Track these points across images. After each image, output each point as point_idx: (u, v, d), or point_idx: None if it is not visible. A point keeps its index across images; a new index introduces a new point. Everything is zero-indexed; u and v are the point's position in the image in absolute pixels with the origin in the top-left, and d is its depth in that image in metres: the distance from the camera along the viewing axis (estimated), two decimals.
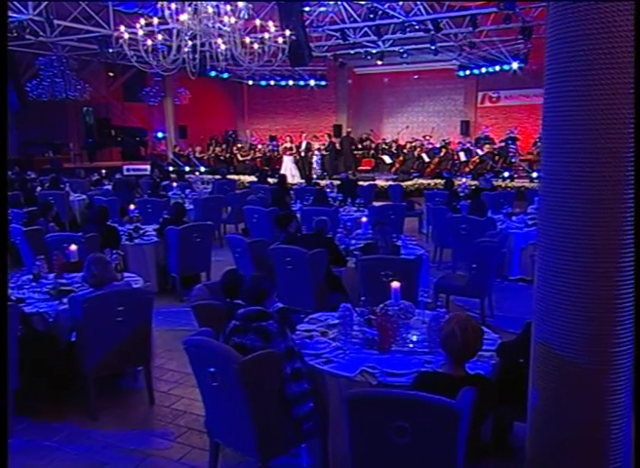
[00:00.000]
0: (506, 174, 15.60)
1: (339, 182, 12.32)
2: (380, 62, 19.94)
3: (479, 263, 5.93)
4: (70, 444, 4.15)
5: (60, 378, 4.59)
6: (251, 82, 21.74)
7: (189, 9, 11.33)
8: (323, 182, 13.38)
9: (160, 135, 23.69)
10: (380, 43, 18.53)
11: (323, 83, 21.78)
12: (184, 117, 22.86)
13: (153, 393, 4.73)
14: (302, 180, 14.31)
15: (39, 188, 12.33)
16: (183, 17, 11.33)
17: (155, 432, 4.29)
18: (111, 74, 22.31)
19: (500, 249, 6.19)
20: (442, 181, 16.30)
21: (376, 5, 14.34)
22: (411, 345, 3.73)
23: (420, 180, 16.62)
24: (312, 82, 21.54)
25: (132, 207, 8.19)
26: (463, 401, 2.53)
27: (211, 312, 4.05)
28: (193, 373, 3.46)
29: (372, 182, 13.35)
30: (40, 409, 4.52)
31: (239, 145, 21.29)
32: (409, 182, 15.94)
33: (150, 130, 23.44)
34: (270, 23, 11.98)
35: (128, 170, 19.08)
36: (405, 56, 19.51)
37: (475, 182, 12.86)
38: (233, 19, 11.41)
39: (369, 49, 19.25)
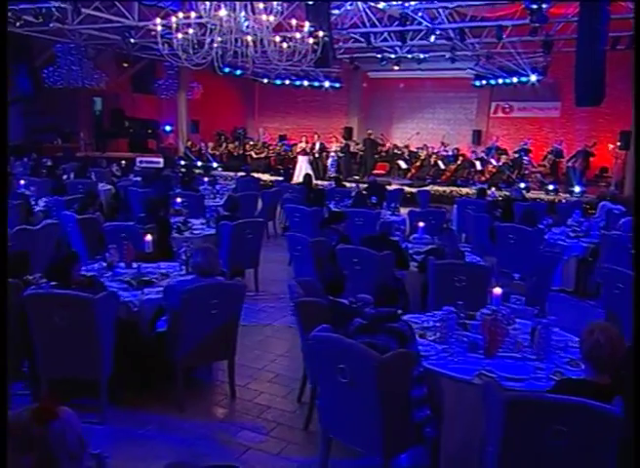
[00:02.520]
0: (522, 185, 15.75)
1: (366, 185, 12.38)
2: (396, 68, 20.10)
3: (539, 273, 6.03)
4: (164, 433, 4.19)
5: (145, 368, 4.62)
6: (266, 80, 21.73)
7: (223, 5, 11.36)
8: (348, 184, 13.43)
9: (168, 128, 23.65)
10: (397, 48, 18.68)
11: (337, 85, 21.86)
12: (195, 112, 22.83)
13: (235, 387, 4.78)
14: (328, 182, 14.41)
15: (65, 176, 12.27)
16: (222, 12, 11.35)
17: (246, 425, 4.34)
18: (126, 65, 22.21)
19: (561, 259, 6.31)
20: (457, 189, 16.54)
21: (406, 11, 14.46)
22: (518, 351, 3.81)
23: (435, 187, 16.73)
24: (327, 83, 21.60)
25: (178, 200, 8.21)
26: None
27: (314, 309, 4.10)
28: (316, 369, 3.52)
29: (399, 187, 13.46)
30: (124, 398, 4.54)
31: (251, 143, 21.28)
32: (425, 188, 16.03)
33: (160, 122, 23.41)
34: (307, 24, 12.04)
35: (141, 162, 19.02)
36: (421, 62, 19.71)
37: (505, 192, 13.02)
38: (272, 18, 11.46)
39: (387, 54, 19.38)
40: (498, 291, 4.09)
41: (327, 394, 3.51)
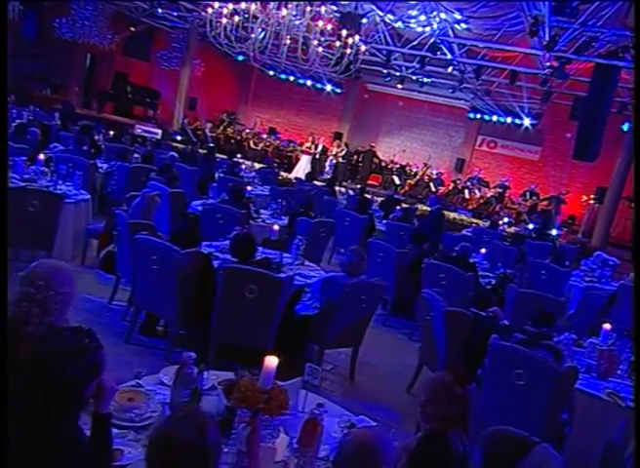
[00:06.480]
0: (506, 219, 16.96)
1: (382, 199, 13.15)
2: (400, 86, 21.04)
3: (586, 310, 6.99)
4: None
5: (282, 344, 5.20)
6: (272, 72, 22.23)
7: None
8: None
9: None
10: (404, 68, 19.66)
11: (338, 90, 22.68)
12: (192, 89, 22.93)
13: (355, 371, 5.45)
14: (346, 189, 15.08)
15: (96, 137, 12.39)
16: (284, 12, 11.89)
17: (379, 406, 5.01)
18: (132, 29, 22.09)
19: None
20: (447, 213, 17.61)
21: (439, 43, 15.37)
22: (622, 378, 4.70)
23: (424, 207, 17.70)
24: (329, 87, 22.36)
25: (249, 188, 8.69)
26: None
27: (459, 319, 4.84)
28: (489, 371, 4.25)
29: (414, 205, 14.34)
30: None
31: (247, 130, 21.67)
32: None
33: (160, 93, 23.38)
34: (357, 37, 12.73)
35: (140, 130, 19.03)
36: (423, 86, 20.74)
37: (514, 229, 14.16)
38: (330, 26, 12.10)
39: (392, 71, 20.26)
40: (607, 326, 4.97)
41: (494, 391, 4.25)
